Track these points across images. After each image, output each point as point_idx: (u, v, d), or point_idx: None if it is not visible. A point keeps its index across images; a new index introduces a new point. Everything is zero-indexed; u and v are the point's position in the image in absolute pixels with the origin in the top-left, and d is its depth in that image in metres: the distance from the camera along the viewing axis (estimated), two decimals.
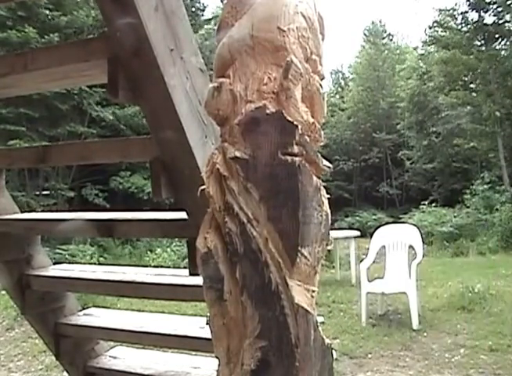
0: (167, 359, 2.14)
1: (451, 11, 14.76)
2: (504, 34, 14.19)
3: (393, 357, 4.21)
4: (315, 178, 0.81)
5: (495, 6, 13.79)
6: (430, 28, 15.87)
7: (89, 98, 11.93)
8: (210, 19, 16.13)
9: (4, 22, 10.65)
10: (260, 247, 0.79)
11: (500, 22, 14.04)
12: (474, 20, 14.27)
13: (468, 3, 14.08)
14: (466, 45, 14.37)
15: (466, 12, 14.33)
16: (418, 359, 4.15)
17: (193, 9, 16.51)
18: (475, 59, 14.18)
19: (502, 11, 13.74)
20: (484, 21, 14.17)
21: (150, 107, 1.24)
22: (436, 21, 15.39)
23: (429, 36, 16.02)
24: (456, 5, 14.49)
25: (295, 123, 0.80)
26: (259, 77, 0.84)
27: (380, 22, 25.11)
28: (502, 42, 14.60)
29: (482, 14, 14.09)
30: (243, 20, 0.88)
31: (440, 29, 15.47)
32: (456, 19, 14.82)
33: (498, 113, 13.35)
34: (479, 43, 14.62)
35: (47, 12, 11.42)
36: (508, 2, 13.41)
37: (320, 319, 0.85)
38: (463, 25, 14.68)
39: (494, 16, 14.10)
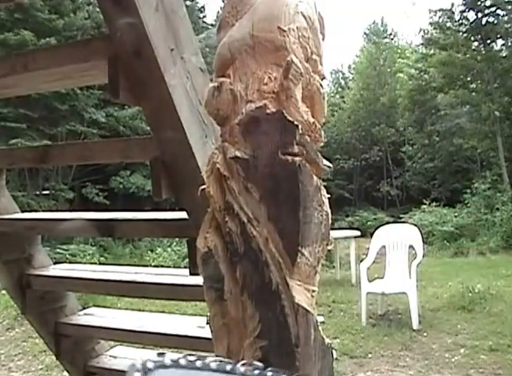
0: None
1: (448, 12, 14.72)
2: (502, 33, 14.17)
3: (393, 357, 4.21)
4: (315, 177, 0.81)
5: (492, 6, 13.76)
6: (423, 31, 15.88)
7: (86, 100, 11.93)
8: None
9: (2, 24, 10.65)
10: (260, 247, 0.79)
11: (497, 22, 14.01)
12: (471, 20, 14.24)
13: (464, 3, 14.05)
14: (464, 45, 14.33)
15: (464, 11, 14.30)
16: (418, 359, 4.15)
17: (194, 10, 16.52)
18: (473, 60, 14.16)
19: (498, 10, 13.72)
20: (482, 21, 14.13)
21: (151, 107, 1.24)
22: (434, 22, 15.35)
23: (426, 38, 15.98)
24: (452, 6, 14.48)
25: (295, 123, 0.80)
26: (259, 76, 0.84)
27: (382, 21, 25.13)
28: (501, 42, 14.62)
29: (479, 14, 14.06)
30: (244, 20, 0.88)
31: (437, 30, 15.43)
32: (453, 19, 14.78)
33: (497, 113, 13.33)
34: (477, 43, 14.58)
35: (44, 14, 11.40)
36: (506, 0, 13.40)
37: (320, 318, 0.85)
38: (461, 25, 14.64)
39: (491, 16, 14.08)
